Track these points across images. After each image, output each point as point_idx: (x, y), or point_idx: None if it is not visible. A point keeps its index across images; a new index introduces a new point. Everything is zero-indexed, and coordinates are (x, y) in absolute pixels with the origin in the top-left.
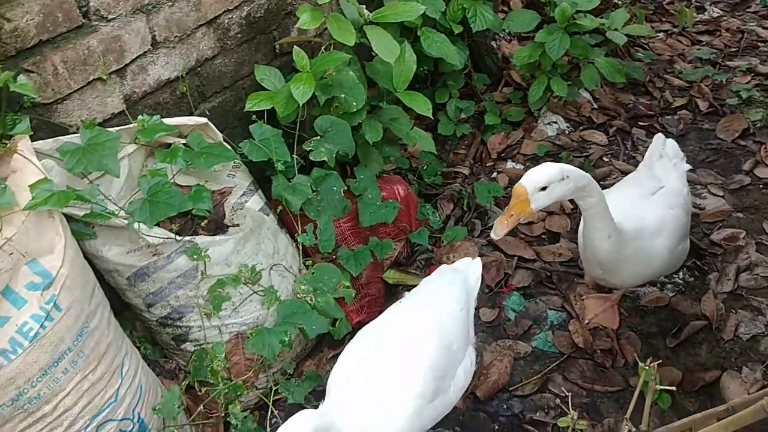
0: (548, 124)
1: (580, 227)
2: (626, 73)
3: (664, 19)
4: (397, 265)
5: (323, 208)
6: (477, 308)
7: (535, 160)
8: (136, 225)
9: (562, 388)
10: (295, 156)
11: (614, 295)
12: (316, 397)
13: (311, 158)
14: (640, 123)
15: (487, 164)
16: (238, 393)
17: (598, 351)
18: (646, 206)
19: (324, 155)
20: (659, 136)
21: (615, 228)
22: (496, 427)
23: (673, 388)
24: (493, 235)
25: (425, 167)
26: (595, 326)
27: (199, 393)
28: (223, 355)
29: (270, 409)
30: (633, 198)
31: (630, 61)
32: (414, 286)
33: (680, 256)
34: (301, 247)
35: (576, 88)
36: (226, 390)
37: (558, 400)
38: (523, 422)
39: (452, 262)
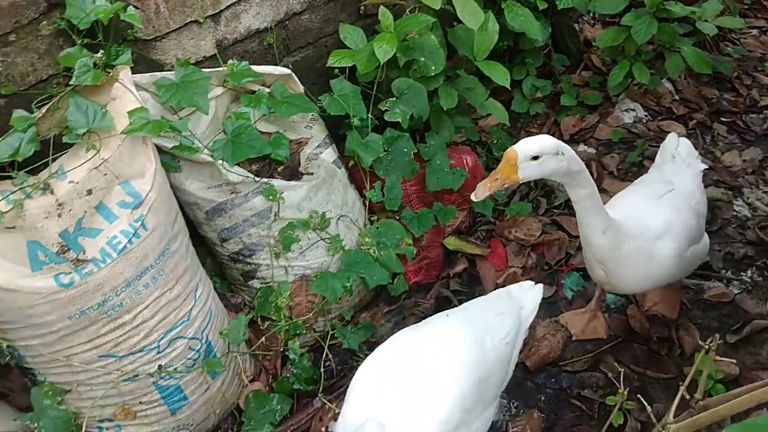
0: (625, 110)
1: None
2: (713, 66)
3: (759, 15)
4: (458, 232)
5: (392, 168)
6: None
7: (608, 146)
8: (218, 162)
9: (614, 369)
10: (370, 115)
11: (593, 305)
12: (369, 346)
13: (386, 118)
14: (722, 119)
15: None
16: (298, 332)
17: (655, 338)
18: (652, 209)
19: (398, 116)
20: (672, 135)
21: (611, 223)
22: (542, 398)
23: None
24: (473, 197)
25: (495, 141)
26: (654, 314)
27: (261, 327)
28: (288, 293)
29: (325, 352)
30: (641, 201)
31: (718, 55)
32: (473, 255)
33: (691, 259)
34: (367, 203)
35: (658, 77)
36: (287, 327)
37: (608, 378)
38: (570, 396)
39: (514, 237)
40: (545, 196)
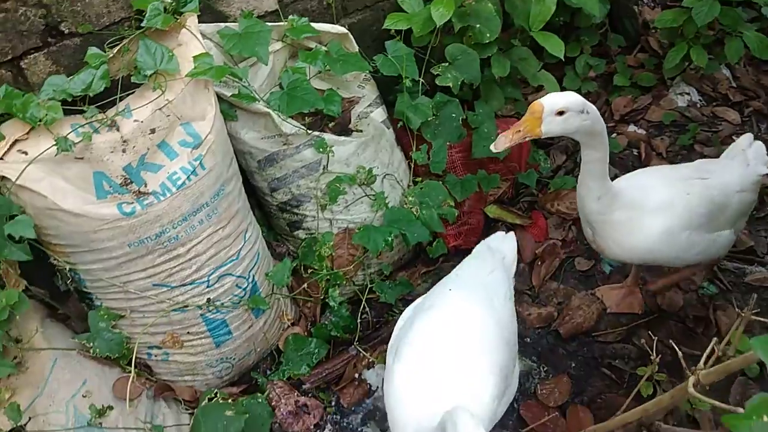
0: (680, 94)
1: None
2: None
3: None
4: (500, 202)
5: (440, 132)
6: (573, 257)
7: (659, 128)
8: (273, 113)
9: (647, 342)
10: (421, 80)
11: (630, 281)
12: (405, 303)
13: (437, 83)
14: None
15: (609, 124)
16: (338, 282)
17: (691, 316)
18: (660, 185)
19: (449, 81)
20: (747, 136)
21: (607, 191)
22: (573, 365)
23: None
24: (492, 148)
25: None
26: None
27: (303, 276)
28: (331, 244)
29: (363, 304)
30: (658, 177)
31: None
32: (513, 224)
33: (688, 245)
34: (413, 165)
35: (716, 62)
36: (328, 276)
37: (640, 351)
38: (601, 365)
39: (556, 210)
40: None
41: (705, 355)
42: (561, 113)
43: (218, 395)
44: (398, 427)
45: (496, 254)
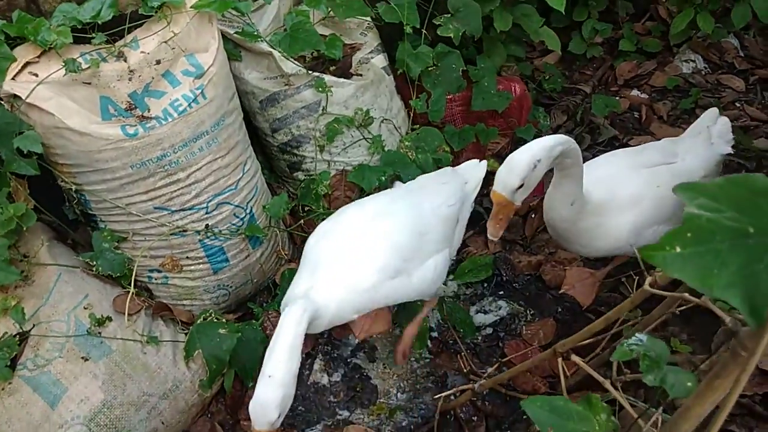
0: (685, 61)
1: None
2: None
3: None
4: (498, 156)
5: (439, 82)
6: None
7: (662, 92)
8: (275, 53)
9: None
10: (424, 31)
11: (599, 273)
12: None
13: (439, 33)
14: None
15: (612, 88)
16: None
17: None
18: (627, 178)
19: (451, 32)
20: (713, 110)
21: (582, 196)
22: (559, 310)
23: None
24: (490, 237)
25: (547, 78)
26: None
27: (301, 215)
28: (328, 182)
29: None
30: (622, 167)
31: None
32: None
33: (654, 239)
34: (412, 114)
35: (725, 30)
36: (324, 215)
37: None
38: (587, 311)
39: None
40: (590, 133)
41: None
42: (521, 186)
43: (213, 314)
44: (293, 289)
45: (458, 176)
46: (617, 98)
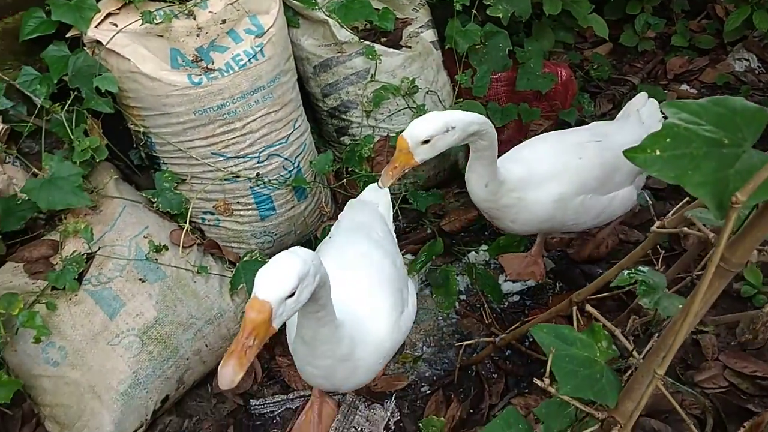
0: (738, 59)
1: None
2: None
3: None
4: None
5: (486, 60)
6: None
7: (711, 89)
8: (331, 22)
9: None
10: (474, 11)
11: (534, 250)
12: (435, 216)
13: (488, 13)
14: None
15: (661, 82)
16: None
17: None
18: (548, 154)
19: (500, 12)
20: (642, 94)
21: (495, 178)
22: (587, 284)
23: None
24: (378, 184)
25: (595, 67)
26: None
27: (344, 175)
28: (372, 146)
29: (395, 210)
30: (546, 146)
31: None
32: None
33: (583, 209)
34: (456, 89)
35: None
36: (366, 177)
37: None
38: (614, 288)
39: None
40: None
41: (671, 212)
42: (426, 141)
43: (258, 254)
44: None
45: (368, 204)
46: (665, 91)
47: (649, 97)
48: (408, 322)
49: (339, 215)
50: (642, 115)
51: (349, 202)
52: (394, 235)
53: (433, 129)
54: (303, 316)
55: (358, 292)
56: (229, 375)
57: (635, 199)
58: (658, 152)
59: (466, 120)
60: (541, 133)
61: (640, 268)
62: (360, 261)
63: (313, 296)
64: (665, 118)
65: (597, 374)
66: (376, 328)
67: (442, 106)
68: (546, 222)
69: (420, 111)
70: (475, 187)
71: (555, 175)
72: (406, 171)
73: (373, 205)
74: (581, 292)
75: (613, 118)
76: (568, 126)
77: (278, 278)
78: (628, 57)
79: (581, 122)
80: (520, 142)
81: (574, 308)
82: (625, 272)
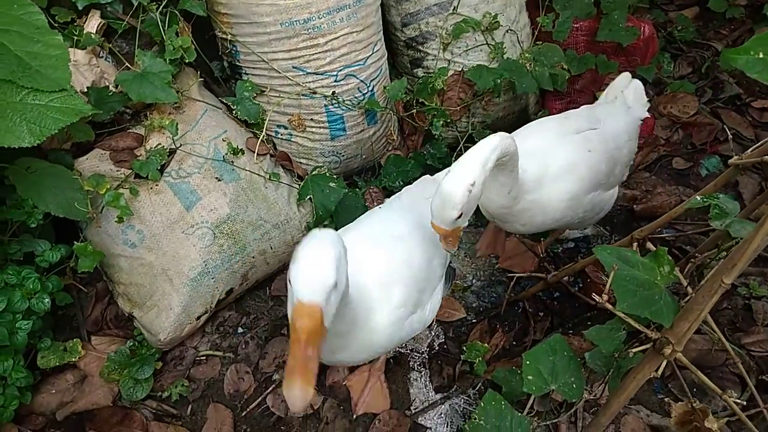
0: None
1: None
2: None
3: None
4: None
5: (570, 6)
6: (672, 156)
7: None
8: None
9: None
10: None
11: (537, 248)
12: None
13: None
14: None
15: None
16: (443, 119)
17: None
18: (559, 145)
19: None
20: (625, 75)
21: (517, 183)
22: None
23: None
24: (446, 248)
25: (679, 29)
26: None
27: (414, 107)
28: (444, 79)
29: (459, 148)
30: (551, 136)
31: None
32: None
33: (588, 206)
34: (536, 32)
35: None
36: (436, 111)
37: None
38: (673, 246)
39: (667, 113)
40: (712, 88)
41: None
42: (460, 215)
43: (327, 170)
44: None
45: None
46: None
47: None
48: (418, 326)
49: (406, 187)
50: (627, 98)
51: (423, 177)
52: None
53: (458, 204)
54: None
55: (372, 276)
56: (300, 395)
57: (615, 198)
58: (761, 55)
59: (480, 162)
60: None
61: (717, 194)
62: (390, 244)
63: None
64: (650, 101)
65: (656, 296)
66: (375, 319)
67: (519, 46)
68: (556, 222)
69: (497, 48)
70: (497, 196)
71: (569, 170)
72: (462, 230)
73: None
74: (644, 229)
75: (692, 82)
76: (645, 82)
77: (317, 273)
78: (714, 23)
79: (658, 81)
80: (593, 94)
81: (635, 244)
82: (698, 197)
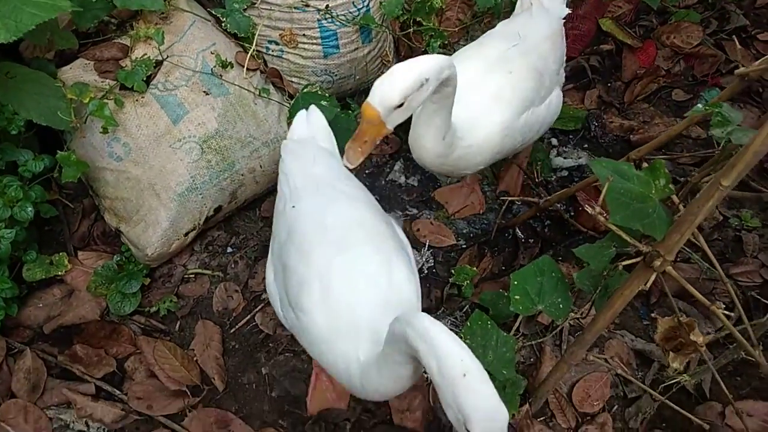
0: None
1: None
2: None
3: None
4: (617, 20)
5: None
6: (672, 88)
7: None
8: None
9: None
10: None
11: (470, 180)
12: None
13: None
14: None
15: None
16: (441, 40)
17: None
18: (478, 79)
19: None
20: None
21: (451, 126)
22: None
23: None
24: (346, 164)
25: None
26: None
27: (411, 26)
28: None
29: None
30: (470, 71)
31: None
32: (623, 43)
33: (527, 126)
34: None
35: None
36: (433, 32)
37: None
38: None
39: (670, 43)
40: (718, 19)
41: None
42: (400, 105)
43: (318, 88)
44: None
45: (307, 142)
46: None
47: None
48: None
49: (280, 166)
50: (543, 1)
51: (283, 144)
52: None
53: (406, 87)
54: None
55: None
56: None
57: (561, 101)
58: None
59: (438, 66)
60: (620, 16)
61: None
62: (357, 234)
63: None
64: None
65: (649, 209)
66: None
67: None
68: (496, 155)
69: None
70: (432, 143)
71: (494, 101)
72: (377, 143)
73: (313, 143)
74: (641, 149)
75: (698, 12)
76: (650, 10)
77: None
78: None
79: (663, 10)
80: (596, 21)
81: (632, 164)
82: (700, 105)
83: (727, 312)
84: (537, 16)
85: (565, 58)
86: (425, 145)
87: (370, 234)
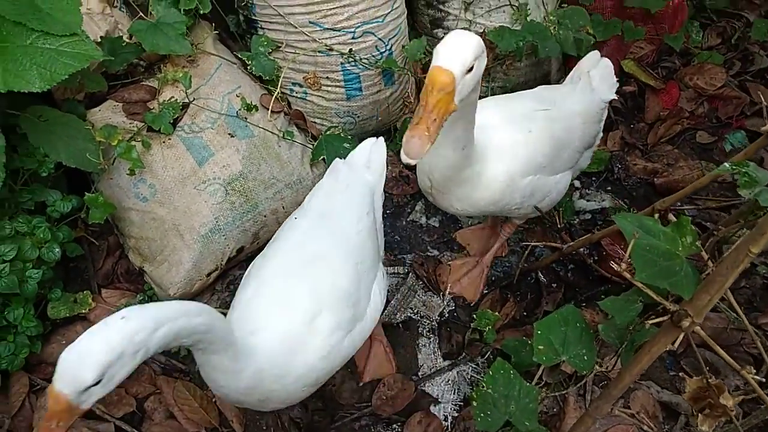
0: None
1: None
2: None
3: None
4: (639, 61)
5: None
6: (696, 130)
7: None
8: None
9: None
10: None
11: (485, 259)
12: None
13: None
14: None
15: None
16: None
17: None
18: (503, 123)
19: None
20: (594, 54)
21: (472, 140)
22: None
23: None
24: (407, 160)
25: None
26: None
27: None
28: None
29: None
30: (499, 113)
31: None
32: (646, 84)
33: (528, 192)
34: None
35: None
36: None
37: None
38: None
39: (693, 84)
40: (741, 60)
41: None
42: (470, 69)
43: (341, 130)
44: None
45: (356, 170)
46: None
47: (767, 33)
48: (358, 338)
49: (317, 184)
50: (593, 79)
51: (334, 162)
52: (378, 212)
53: (476, 44)
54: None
55: (296, 310)
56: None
57: (567, 185)
58: None
59: (482, 45)
60: (642, 57)
61: (746, 162)
62: (310, 269)
63: None
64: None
65: (676, 267)
66: (302, 359)
67: (544, 8)
68: (491, 205)
69: (521, 10)
70: (451, 149)
71: (507, 149)
72: (445, 121)
73: (360, 172)
74: (666, 200)
75: (720, 53)
76: (672, 52)
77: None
78: None
79: (686, 51)
80: (618, 62)
81: (656, 215)
82: (727, 164)
83: (756, 370)
84: (580, 91)
85: (596, 144)
86: (442, 152)
87: (326, 279)
